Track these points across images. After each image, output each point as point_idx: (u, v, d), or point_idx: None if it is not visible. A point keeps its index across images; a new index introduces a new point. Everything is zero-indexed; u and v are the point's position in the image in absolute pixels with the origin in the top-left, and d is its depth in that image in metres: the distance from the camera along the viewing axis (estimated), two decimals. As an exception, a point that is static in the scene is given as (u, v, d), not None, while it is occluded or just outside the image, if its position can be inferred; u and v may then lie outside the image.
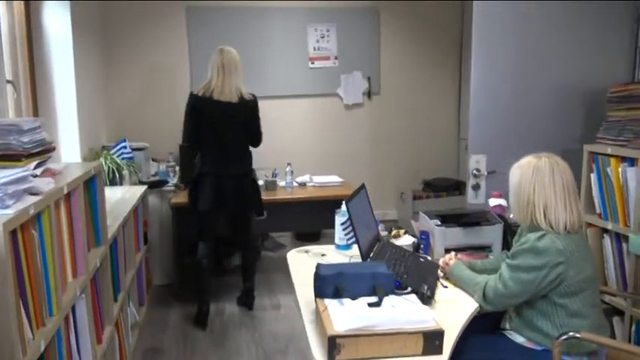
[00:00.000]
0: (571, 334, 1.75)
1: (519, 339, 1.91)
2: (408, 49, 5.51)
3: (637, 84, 2.73)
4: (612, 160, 2.64)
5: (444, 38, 5.56)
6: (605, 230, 2.74)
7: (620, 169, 2.58)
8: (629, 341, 2.56)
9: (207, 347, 3.18)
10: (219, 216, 3.49)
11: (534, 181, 1.85)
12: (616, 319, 2.68)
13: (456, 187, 5.33)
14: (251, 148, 3.49)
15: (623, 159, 2.59)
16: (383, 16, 5.40)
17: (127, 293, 2.92)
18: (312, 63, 5.34)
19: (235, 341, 3.24)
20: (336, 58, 5.37)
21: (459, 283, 2.01)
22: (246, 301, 3.70)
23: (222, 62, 3.28)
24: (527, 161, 1.91)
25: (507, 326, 2.00)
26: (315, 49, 5.32)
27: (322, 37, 5.33)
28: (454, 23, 5.56)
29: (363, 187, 2.25)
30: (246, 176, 3.46)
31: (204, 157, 3.40)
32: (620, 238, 2.66)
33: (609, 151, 2.67)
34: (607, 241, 2.73)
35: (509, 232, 2.38)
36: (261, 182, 4.22)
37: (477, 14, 3.02)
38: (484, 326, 2.02)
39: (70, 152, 3.65)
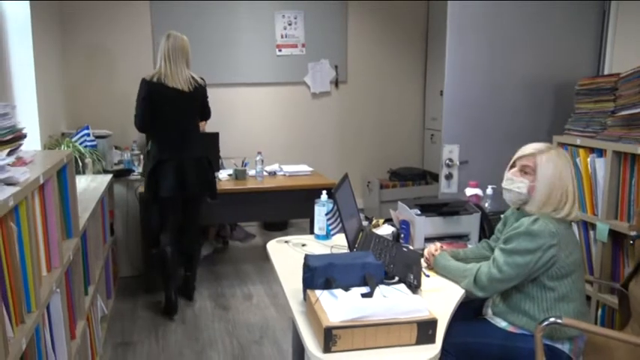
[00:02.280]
0: (552, 319, 1.80)
1: (502, 323, 1.95)
2: (375, 39, 5.52)
3: (604, 77, 2.83)
4: (581, 151, 2.73)
5: (411, 30, 5.60)
6: (573, 218, 2.84)
7: (588, 160, 2.68)
8: (596, 324, 2.67)
9: (180, 339, 3.11)
10: (178, 201, 3.43)
11: (572, 174, 1.90)
12: (583, 304, 2.80)
13: (422, 176, 5.40)
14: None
15: (592, 150, 2.69)
16: (351, 4, 5.38)
17: (96, 286, 2.82)
18: (280, 50, 5.27)
19: (209, 332, 3.19)
20: (303, 45, 5.33)
21: (444, 273, 2.03)
22: (185, 292, 3.62)
23: (168, 50, 3.24)
24: (557, 152, 1.91)
25: (490, 312, 2.04)
26: (282, 36, 5.26)
27: (290, 25, 5.27)
28: (420, 15, 5.60)
29: (346, 176, 2.24)
30: (204, 159, 3.44)
31: (162, 144, 3.33)
32: (587, 226, 2.76)
33: (578, 142, 2.76)
34: (575, 228, 2.81)
35: (486, 221, 2.43)
36: (230, 171, 4.18)
37: (451, 11, 3.07)
38: (466, 313, 2.05)
39: (30, 140, 3.46)
